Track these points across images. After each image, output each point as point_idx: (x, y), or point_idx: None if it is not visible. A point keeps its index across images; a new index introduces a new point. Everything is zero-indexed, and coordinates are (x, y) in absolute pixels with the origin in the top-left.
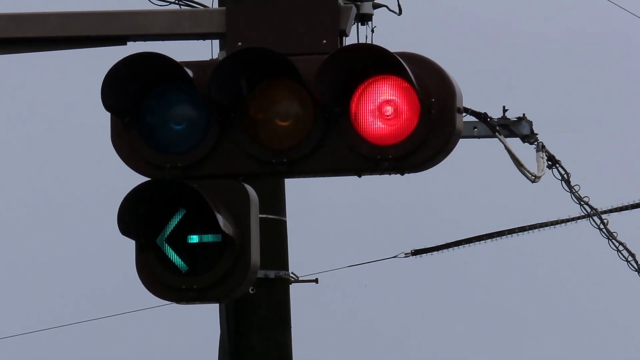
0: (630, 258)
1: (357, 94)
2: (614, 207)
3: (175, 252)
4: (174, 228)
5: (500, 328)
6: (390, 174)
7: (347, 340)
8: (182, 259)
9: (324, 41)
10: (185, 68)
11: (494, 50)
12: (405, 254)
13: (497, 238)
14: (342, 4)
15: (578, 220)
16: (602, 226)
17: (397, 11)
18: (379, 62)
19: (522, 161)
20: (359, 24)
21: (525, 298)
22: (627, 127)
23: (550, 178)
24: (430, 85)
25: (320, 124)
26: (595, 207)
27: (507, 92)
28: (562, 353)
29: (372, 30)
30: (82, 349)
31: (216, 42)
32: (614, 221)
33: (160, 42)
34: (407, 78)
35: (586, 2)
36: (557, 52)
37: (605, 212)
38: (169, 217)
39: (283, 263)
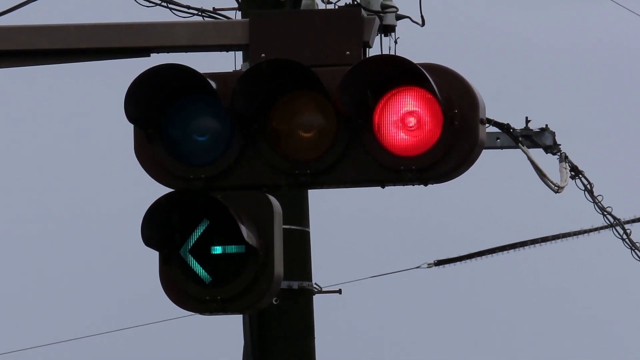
0: None
1: (380, 105)
2: (637, 217)
3: (198, 263)
4: (198, 239)
5: (523, 338)
6: (413, 185)
7: (370, 350)
8: (206, 270)
9: (348, 52)
10: (208, 79)
11: (517, 61)
12: (428, 264)
13: (520, 248)
14: (365, 15)
15: (601, 231)
16: (625, 236)
17: (420, 22)
18: (402, 73)
19: (545, 172)
20: (382, 35)
21: (548, 308)
22: None
23: (573, 188)
24: (453, 96)
25: (343, 135)
26: (618, 217)
27: (530, 102)
28: None
29: (395, 42)
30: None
31: (239, 54)
32: (637, 231)
33: (184, 53)
34: (430, 89)
35: (607, 14)
36: (580, 63)
37: (628, 222)
38: (192, 228)
39: (306, 274)
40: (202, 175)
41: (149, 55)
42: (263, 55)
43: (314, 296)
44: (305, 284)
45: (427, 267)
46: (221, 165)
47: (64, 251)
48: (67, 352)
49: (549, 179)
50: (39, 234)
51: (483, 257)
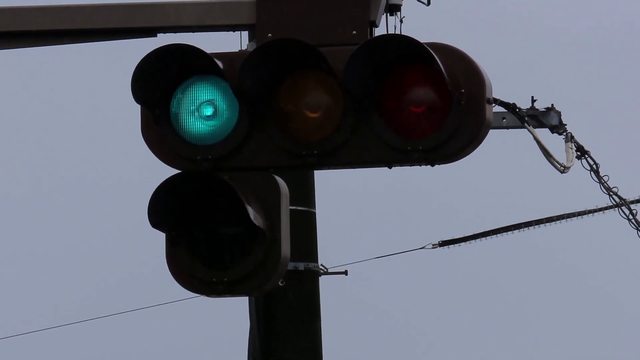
0: None
1: (386, 85)
2: None
3: (205, 244)
4: (205, 220)
5: (528, 319)
6: (420, 166)
7: (376, 331)
8: (213, 252)
9: (354, 32)
10: (215, 59)
11: (523, 40)
12: (433, 244)
13: (525, 229)
14: None
15: (606, 211)
16: (630, 217)
17: (426, 1)
18: (408, 53)
19: (551, 152)
20: (388, 14)
21: (553, 289)
22: None
23: (579, 168)
24: (459, 76)
25: (350, 115)
26: (624, 197)
27: (536, 82)
28: (590, 344)
29: (401, 21)
30: (112, 341)
31: (245, 34)
32: None
33: (190, 33)
34: (437, 69)
35: None
36: (586, 42)
37: (634, 202)
38: (199, 209)
39: (312, 255)
40: (209, 156)
41: (156, 36)
42: (270, 35)
43: (320, 277)
44: (311, 265)
45: (432, 248)
46: (228, 146)
47: (69, 231)
48: (71, 334)
49: (554, 159)
50: (45, 212)
51: (488, 237)
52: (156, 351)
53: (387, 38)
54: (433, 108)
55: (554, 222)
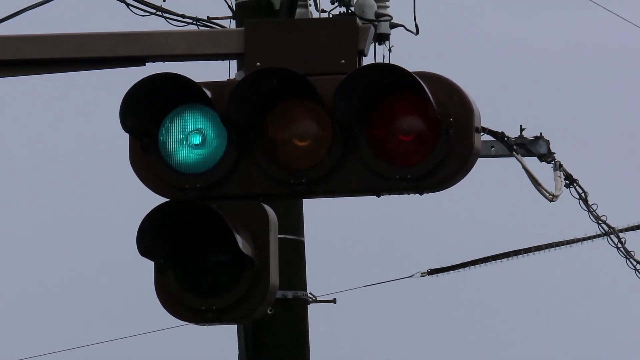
0: None
1: (375, 114)
2: (632, 225)
3: (194, 272)
4: (193, 249)
5: (517, 347)
6: (408, 194)
7: (364, 359)
8: (201, 280)
9: (343, 61)
10: (203, 88)
11: (511, 69)
12: (422, 273)
13: (514, 257)
14: (360, 24)
15: (595, 239)
16: (619, 245)
17: (414, 31)
18: (397, 82)
19: (540, 180)
20: (376, 43)
21: (541, 318)
22: None
23: (567, 197)
24: (448, 105)
25: (338, 144)
26: (612, 225)
27: (525, 111)
28: None
29: (390, 50)
30: None
31: (234, 63)
32: (632, 240)
33: (179, 62)
34: (425, 97)
35: (599, 19)
36: (574, 71)
37: (622, 230)
38: (188, 237)
39: (301, 283)
40: (198, 185)
41: (144, 65)
42: (258, 64)
43: (308, 305)
44: (299, 293)
45: (421, 276)
46: (217, 175)
47: (57, 260)
48: None
49: (543, 188)
50: (32, 242)
51: (476, 266)
52: None
53: (376, 67)
54: (421, 137)
55: (542, 251)
